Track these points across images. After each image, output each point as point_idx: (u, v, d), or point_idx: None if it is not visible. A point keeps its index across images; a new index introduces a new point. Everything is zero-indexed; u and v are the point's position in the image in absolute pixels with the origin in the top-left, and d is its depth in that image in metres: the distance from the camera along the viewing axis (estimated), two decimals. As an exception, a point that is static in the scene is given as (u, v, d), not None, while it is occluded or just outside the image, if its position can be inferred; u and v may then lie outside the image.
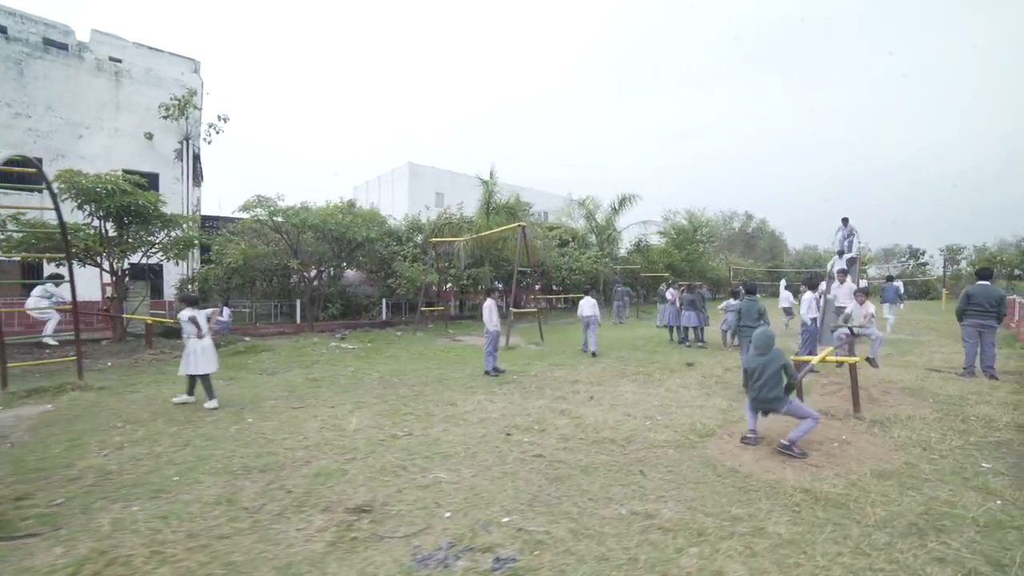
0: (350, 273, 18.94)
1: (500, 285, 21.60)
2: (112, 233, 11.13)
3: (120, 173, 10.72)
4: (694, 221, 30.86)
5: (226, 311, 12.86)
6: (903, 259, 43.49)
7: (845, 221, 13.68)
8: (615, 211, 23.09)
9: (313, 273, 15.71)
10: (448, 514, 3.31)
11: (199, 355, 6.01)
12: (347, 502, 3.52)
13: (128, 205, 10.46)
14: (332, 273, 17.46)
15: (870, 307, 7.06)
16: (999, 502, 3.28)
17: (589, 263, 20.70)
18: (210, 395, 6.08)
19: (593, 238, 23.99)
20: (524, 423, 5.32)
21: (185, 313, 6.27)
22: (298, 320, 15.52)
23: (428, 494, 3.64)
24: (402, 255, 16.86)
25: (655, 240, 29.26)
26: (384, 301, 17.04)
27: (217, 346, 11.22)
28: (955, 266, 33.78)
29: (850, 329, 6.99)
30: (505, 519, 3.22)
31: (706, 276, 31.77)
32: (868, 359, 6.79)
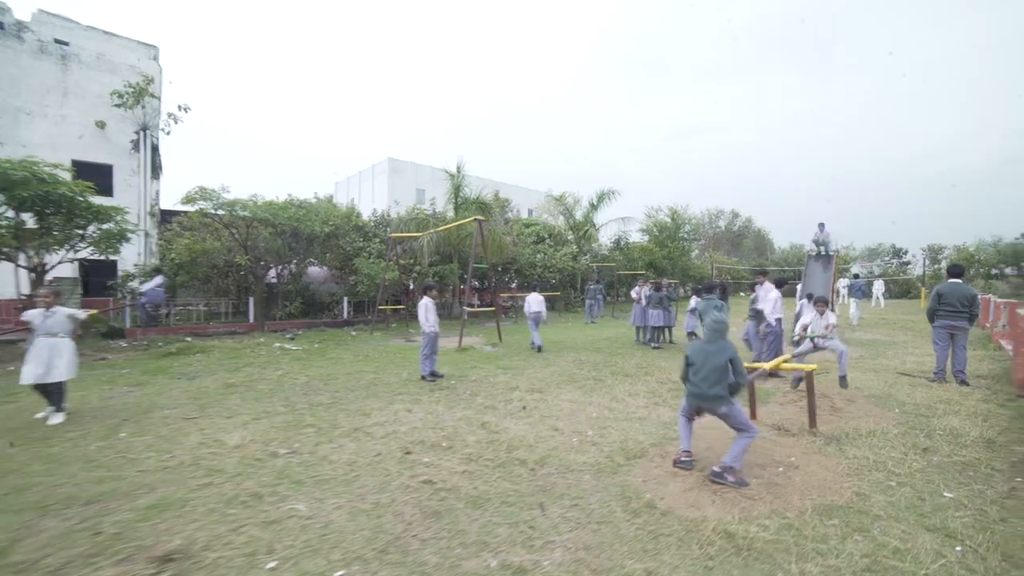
0: (314, 270, 18.08)
1: (476, 284, 20.90)
2: (33, 225, 10.22)
3: (37, 159, 9.82)
4: (677, 219, 30.33)
5: (158, 277, 12.24)
6: (886, 258, 43.39)
7: (821, 226, 14.97)
8: (593, 207, 22.43)
9: (268, 269, 14.87)
10: (273, 564, 2.61)
11: (67, 357, 5.23)
12: (160, 547, 2.80)
13: (46, 194, 9.58)
14: (293, 270, 16.62)
15: (831, 317, 6.37)
16: (959, 548, 2.64)
17: (564, 260, 20.02)
18: (60, 405, 5.26)
19: (571, 235, 23.32)
20: (432, 439, 4.62)
21: (64, 310, 5.51)
22: (251, 319, 14.67)
23: (267, 534, 2.93)
24: (367, 251, 16.07)
25: (637, 237, 28.68)
26: (345, 299, 16.25)
27: (149, 346, 10.52)
28: (936, 265, 33.61)
29: (812, 341, 6.43)
30: (340, 572, 2.53)
31: (689, 274, 31.34)
32: (841, 378, 6.25)
